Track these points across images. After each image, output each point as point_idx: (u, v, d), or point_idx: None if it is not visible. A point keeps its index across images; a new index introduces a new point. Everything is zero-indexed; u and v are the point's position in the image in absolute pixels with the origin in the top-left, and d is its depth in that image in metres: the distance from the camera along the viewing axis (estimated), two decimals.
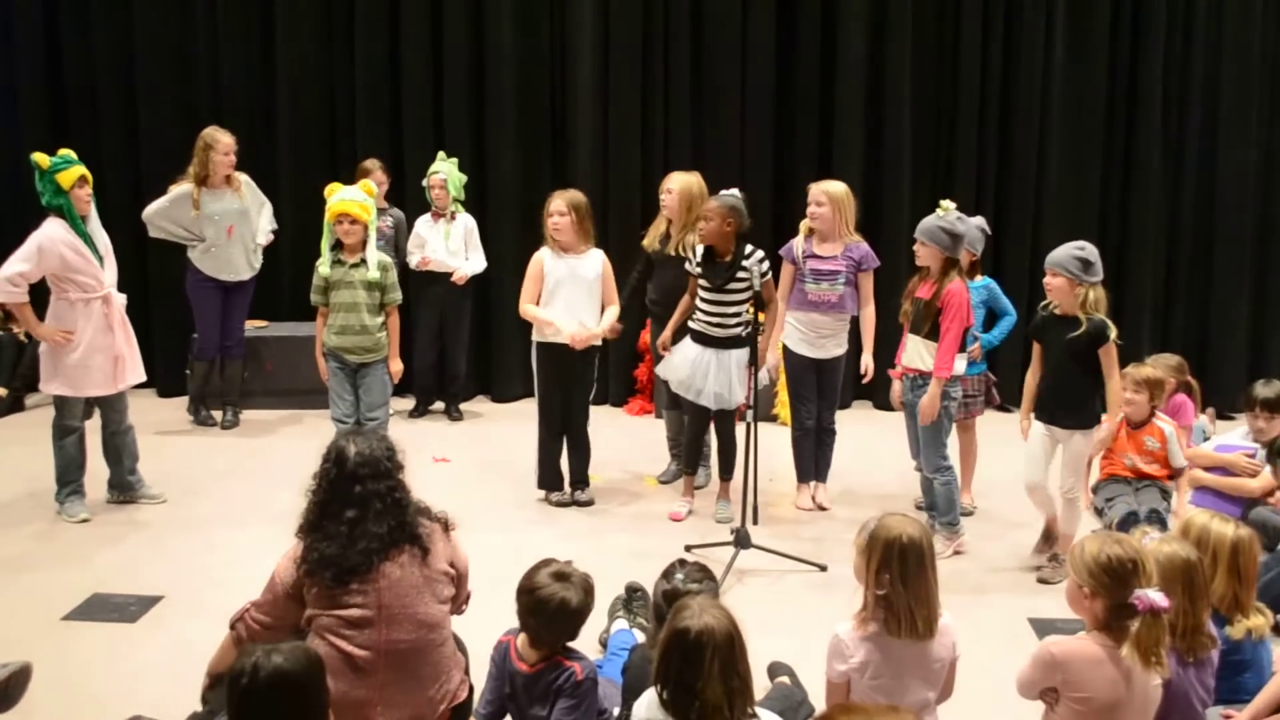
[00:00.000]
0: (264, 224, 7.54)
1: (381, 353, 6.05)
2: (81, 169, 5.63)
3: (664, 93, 8.04)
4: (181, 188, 7.21)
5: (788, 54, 8.04)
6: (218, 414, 7.65)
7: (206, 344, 7.49)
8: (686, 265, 5.77)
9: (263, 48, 8.18)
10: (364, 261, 5.93)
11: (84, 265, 5.62)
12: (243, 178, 7.38)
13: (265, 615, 3.34)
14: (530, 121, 8.13)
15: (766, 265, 5.62)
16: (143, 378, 6.12)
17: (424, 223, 7.54)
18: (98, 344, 5.71)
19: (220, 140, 7.19)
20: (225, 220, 7.25)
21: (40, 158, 5.53)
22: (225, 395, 7.66)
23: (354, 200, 5.84)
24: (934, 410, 5.28)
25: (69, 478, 5.84)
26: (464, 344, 7.79)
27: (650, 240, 6.30)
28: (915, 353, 5.38)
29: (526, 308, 5.97)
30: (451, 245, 7.49)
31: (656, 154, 8.07)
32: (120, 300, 5.88)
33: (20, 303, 5.61)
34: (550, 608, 3.30)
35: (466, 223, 7.57)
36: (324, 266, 5.93)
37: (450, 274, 7.47)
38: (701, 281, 5.69)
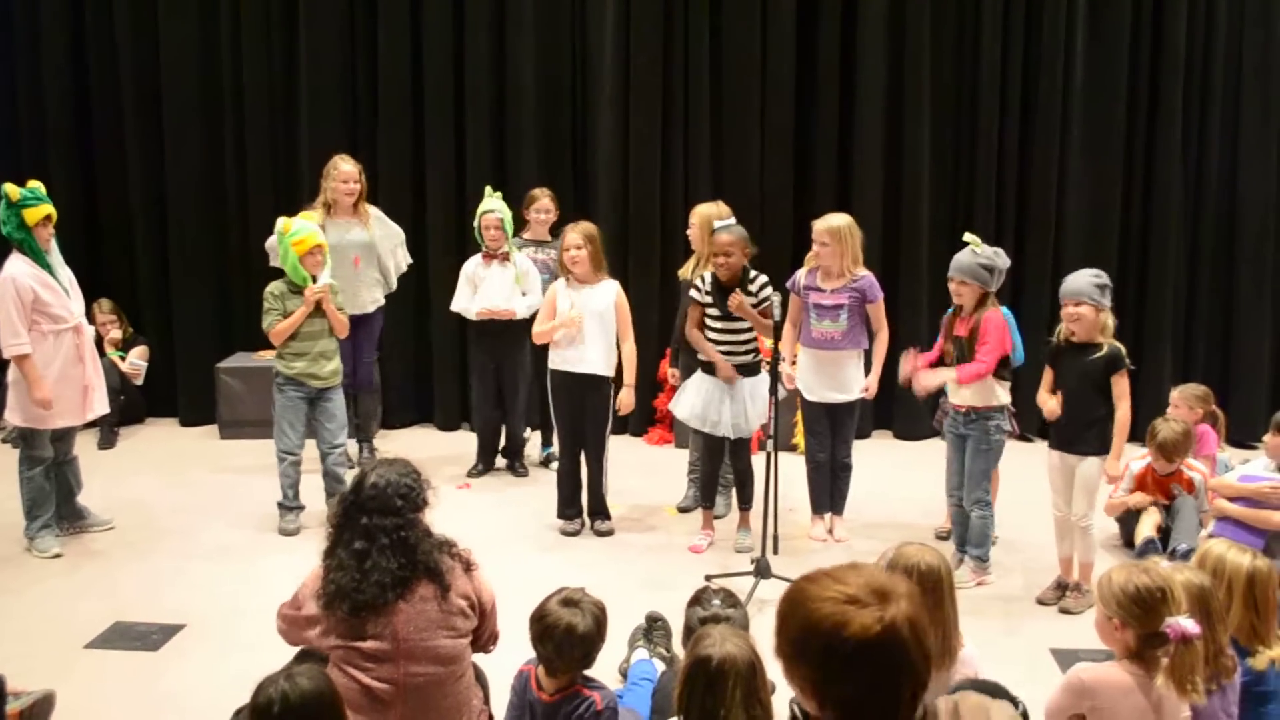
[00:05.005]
0: (398, 259, 7.28)
1: (340, 376, 6.19)
2: (48, 208, 5.62)
3: (684, 124, 8.08)
4: (308, 215, 6.86)
5: (807, 81, 8.06)
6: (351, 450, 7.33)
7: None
8: (693, 294, 5.80)
9: (286, 65, 8.23)
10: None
11: (54, 298, 5.63)
12: (373, 210, 7.15)
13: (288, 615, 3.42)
14: (551, 155, 8.18)
15: (770, 289, 5.66)
16: (107, 409, 6.13)
17: (475, 266, 6.89)
18: (68, 375, 5.70)
19: (339, 168, 6.91)
20: (349, 251, 6.92)
21: (11, 189, 5.54)
22: (362, 430, 7.44)
23: (318, 232, 6.06)
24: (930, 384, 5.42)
25: (38, 511, 5.78)
26: (523, 406, 7.16)
27: (686, 272, 6.42)
28: (960, 388, 5.39)
29: (537, 330, 6.12)
30: (518, 290, 6.85)
31: (676, 186, 8.11)
32: (89, 331, 5.89)
33: (22, 354, 5.54)
34: (557, 634, 3.31)
35: (526, 264, 6.91)
36: (295, 297, 5.98)
37: (509, 322, 6.84)
38: (711, 310, 5.73)
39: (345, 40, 8.15)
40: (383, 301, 7.27)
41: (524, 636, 3.44)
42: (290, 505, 6.13)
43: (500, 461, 7.31)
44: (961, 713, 1.97)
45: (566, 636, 3.30)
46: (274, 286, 6.03)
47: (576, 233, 5.99)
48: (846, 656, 1.84)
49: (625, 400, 6.04)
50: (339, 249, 6.85)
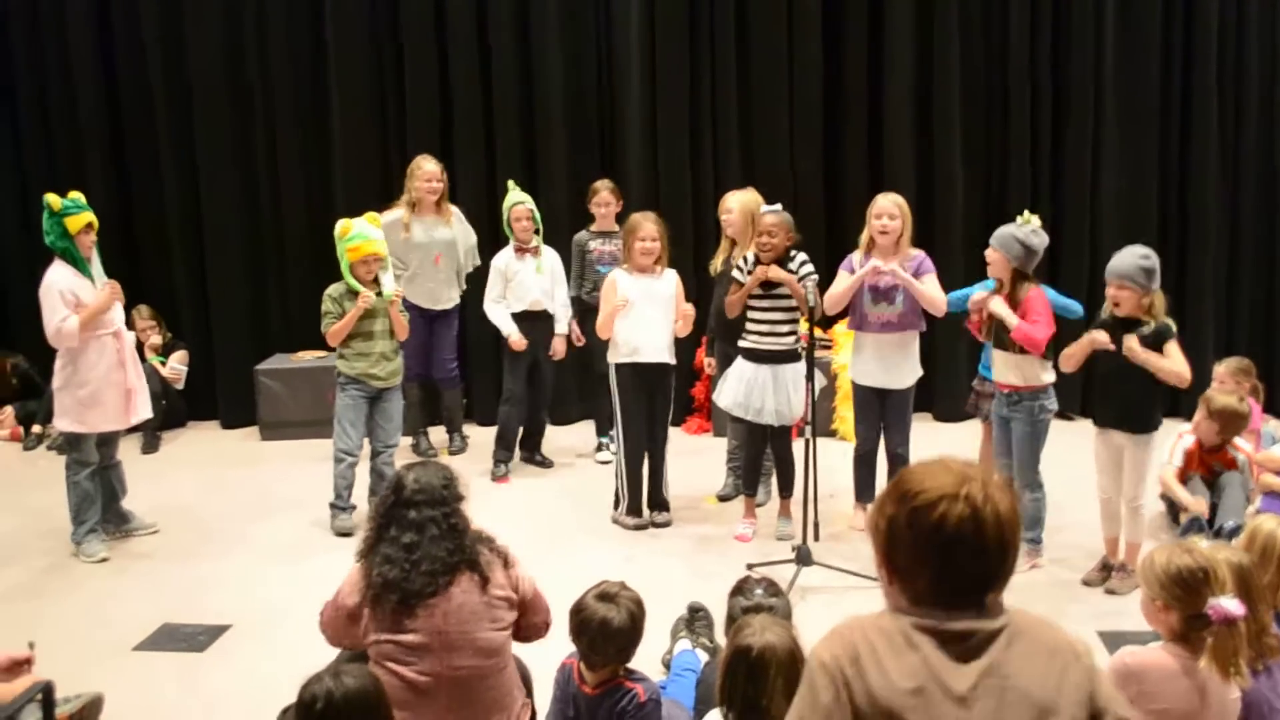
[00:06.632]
0: (470, 259, 7.39)
1: (400, 377, 6.25)
2: (90, 216, 5.71)
3: (711, 115, 8.06)
4: (394, 212, 7.08)
5: (835, 67, 8.03)
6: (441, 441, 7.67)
7: (410, 370, 7.04)
8: (735, 274, 5.77)
9: (314, 69, 8.28)
10: (380, 293, 6.09)
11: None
12: (454, 209, 7.31)
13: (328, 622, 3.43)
14: (580, 148, 8.18)
15: (811, 268, 5.64)
16: (150, 414, 6.21)
17: (508, 259, 6.91)
18: (110, 380, 5.77)
19: (422, 167, 7.09)
20: (432, 248, 7.14)
21: (53, 199, 5.62)
22: (450, 422, 7.66)
23: (378, 239, 6.05)
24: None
25: (84, 516, 5.84)
26: (549, 393, 7.32)
27: (716, 264, 6.40)
28: (1005, 368, 5.33)
29: (602, 323, 6.04)
30: (544, 283, 6.95)
31: (706, 176, 8.09)
32: (129, 337, 5.97)
33: (71, 328, 5.57)
34: (591, 628, 3.31)
35: (552, 258, 7.00)
36: (352, 299, 6.00)
37: (544, 311, 6.96)
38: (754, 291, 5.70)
39: (372, 43, 8.19)
40: (458, 300, 7.37)
41: (566, 629, 3.45)
42: (343, 506, 6.16)
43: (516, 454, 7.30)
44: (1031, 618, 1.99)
45: (601, 631, 3.31)
46: (333, 289, 6.07)
47: (653, 224, 5.99)
48: (910, 514, 1.90)
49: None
50: (426, 247, 7.09)
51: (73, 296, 5.62)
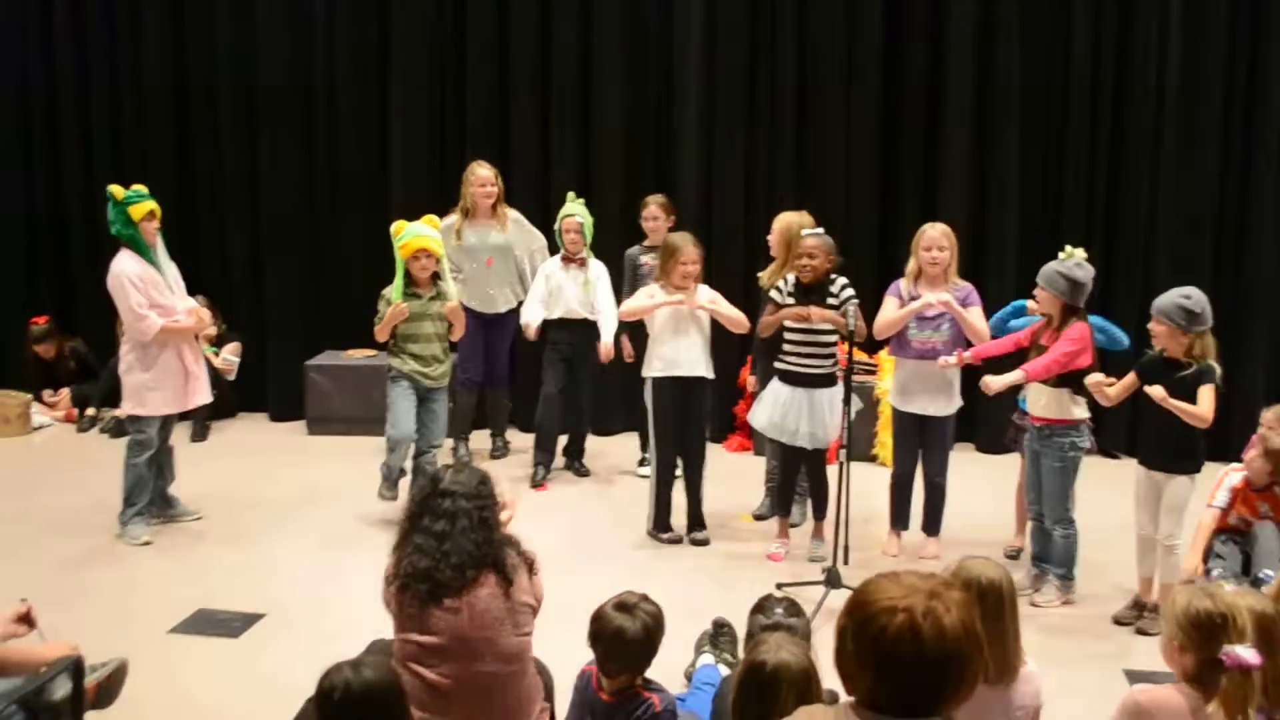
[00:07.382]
0: (534, 264, 7.34)
1: (448, 378, 6.36)
2: (152, 204, 5.89)
3: (769, 134, 8.09)
4: (450, 218, 7.16)
5: (893, 94, 8.02)
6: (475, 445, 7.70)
7: (465, 374, 7.39)
8: (774, 295, 5.79)
9: (378, 72, 8.41)
10: (440, 294, 6.20)
11: (159, 294, 5.88)
12: (512, 214, 7.38)
13: None
14: (636, 162, 8.23)
15: (851, 291, 5.65)
16: (209, 399, 6.38)
17: (554, 267, 7.05)
18: (171, 365, 5.95)
19: (475, 173, 7.20)
20: (483, 252, 7.25)
21: (116, 189, 5.82)
22: (493, 426, 7.75)
23: (430, 236, 6.10)
24: (997, 386, 5.25)
25: (135, 499, 5.99)
26: (590, 401, 7.41)
27: (764, 278, 6.40)
28: (1037, 397, 5.31)
29: (637, 309, 6.11)
30: (587, 295, 7.02)
31: (759, 194, 8.11)
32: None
33: (156, 329, 5.80)
34: (606, 635, 3.35)
35: (599, 270, 7.07)
36: (400, 298, 6.08)
37: (583, 320, 6.99)
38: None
39: (436, 49, 8.31)
40: (514, 304, 7.40)
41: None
42: (392, 479, 6.26)
43: (559, 460, 7.37)
44: None
45: (615, 640, 3.34)
46: (387, 290, 6.18)
47: (696, 246, 6.02)
48: (857, 625, 1.97)
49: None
50: (478, 251, 7.20)
51: (142, 284, 5.80)
